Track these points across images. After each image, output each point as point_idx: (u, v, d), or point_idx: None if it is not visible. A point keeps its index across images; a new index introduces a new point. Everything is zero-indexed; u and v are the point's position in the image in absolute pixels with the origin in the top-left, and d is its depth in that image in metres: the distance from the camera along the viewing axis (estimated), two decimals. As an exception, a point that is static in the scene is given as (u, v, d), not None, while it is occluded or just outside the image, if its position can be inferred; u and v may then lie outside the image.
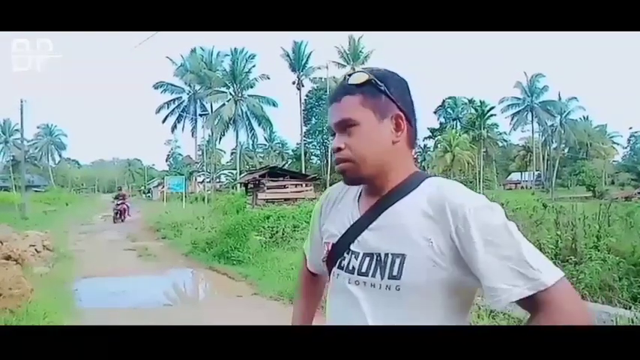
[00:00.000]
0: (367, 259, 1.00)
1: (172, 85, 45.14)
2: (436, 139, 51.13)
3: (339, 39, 44.97)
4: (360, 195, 1.09)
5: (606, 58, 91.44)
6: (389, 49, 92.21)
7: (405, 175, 1.03)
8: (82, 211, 27.85)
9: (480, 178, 43.71)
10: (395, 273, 0.96)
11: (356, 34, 40.56)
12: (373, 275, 0.99)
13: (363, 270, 1.00)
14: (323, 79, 39.78)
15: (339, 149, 1.03)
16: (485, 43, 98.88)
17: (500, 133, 53.64)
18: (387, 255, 0.98)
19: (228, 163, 51.94)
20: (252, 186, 22.85)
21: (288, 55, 42.29)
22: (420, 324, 0.95)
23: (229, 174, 48.74)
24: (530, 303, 0.90)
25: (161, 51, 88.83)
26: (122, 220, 19.31)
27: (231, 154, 50.70)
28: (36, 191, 43.62)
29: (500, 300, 0.90)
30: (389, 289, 0.97)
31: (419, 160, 51.84)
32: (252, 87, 42.37)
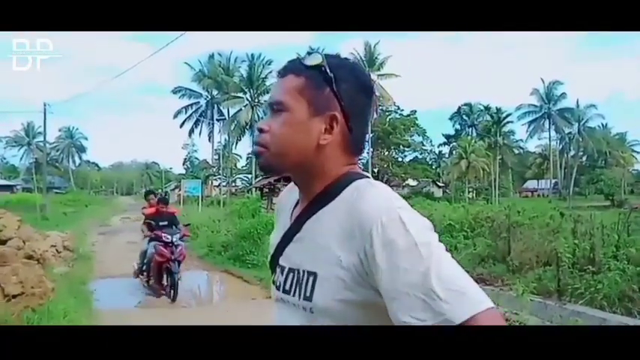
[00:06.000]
0: (290, 275, 0.92)
1: (190, 90, 45.72)
2: (451, 145, 50.72)
3: (355, 45, 45.10)
4: (297, 202, 0.98)
5: (628, 64, 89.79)
6: (405, 56, 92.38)
7: (334, 179, 0.91)
8: (100, 213, 28.32)
9: (495, 186, 43.21)
10: (308, 294, 0.87)
11: (372, 40, 40.59)
12: (293, 294, 0.91)
13: (287, 287, 0.92)
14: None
15: (261, 130, 0.92)
16: (501, 49, 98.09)
17: (517, 141, 53.00)
18: (304, 272, 0.89)
19: (244, 168, 52.30)
20: (267, 190, 23.05)
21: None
22: None
23: (245, 178, 49.06)
24: None
25: (180, 56, 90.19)
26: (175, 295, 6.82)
27: (247, 158, 50.99)
28: (57, 193, 44.48)
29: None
30: (305, 310, 0.88)
31: (433, 167, 51.37)
32: (268, 92, 42.50)
